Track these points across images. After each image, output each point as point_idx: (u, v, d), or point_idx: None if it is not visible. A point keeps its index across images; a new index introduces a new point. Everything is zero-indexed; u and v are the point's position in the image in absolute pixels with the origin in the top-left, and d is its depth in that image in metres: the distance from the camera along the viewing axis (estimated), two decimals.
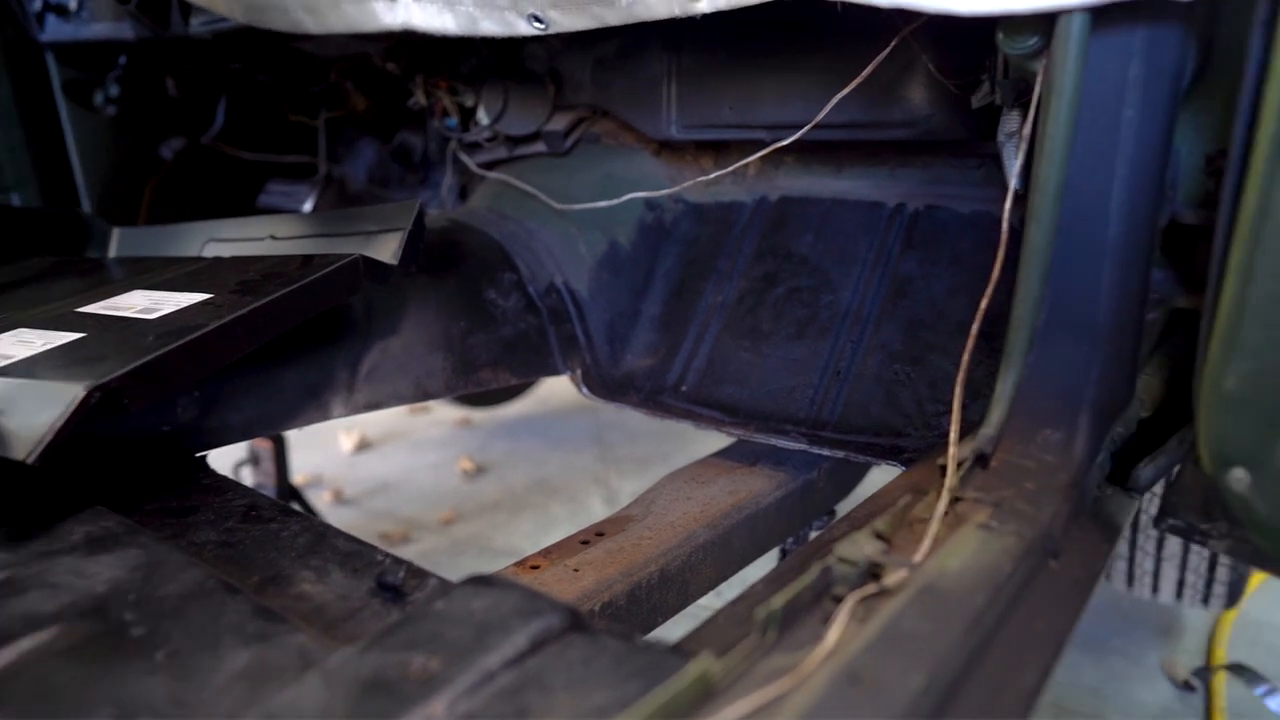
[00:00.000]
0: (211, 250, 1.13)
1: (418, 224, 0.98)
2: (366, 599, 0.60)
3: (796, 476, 1.07)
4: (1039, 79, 0.67)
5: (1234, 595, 1.41)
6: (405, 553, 2.01)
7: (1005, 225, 0.68)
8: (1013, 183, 1.00)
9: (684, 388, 1.19)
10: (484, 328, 1.17)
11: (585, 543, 0.89)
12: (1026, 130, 0.68)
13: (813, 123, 0.95)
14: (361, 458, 2.50)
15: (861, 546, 0.53)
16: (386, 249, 0.96)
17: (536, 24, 0.94)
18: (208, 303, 0.82)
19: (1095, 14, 0.59)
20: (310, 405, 1.00)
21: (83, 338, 0.76)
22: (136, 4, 1.33)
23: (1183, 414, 0.71)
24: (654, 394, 1.20)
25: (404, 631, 0.49)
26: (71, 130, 1.64)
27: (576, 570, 0.80)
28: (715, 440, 1.13)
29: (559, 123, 1.40)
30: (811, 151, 1.26)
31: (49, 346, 0.74)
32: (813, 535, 1.27)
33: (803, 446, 1.01)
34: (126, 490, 0.78)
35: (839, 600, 0.50)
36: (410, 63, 1.48)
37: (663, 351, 1.25)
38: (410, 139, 1.78)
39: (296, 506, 1.80)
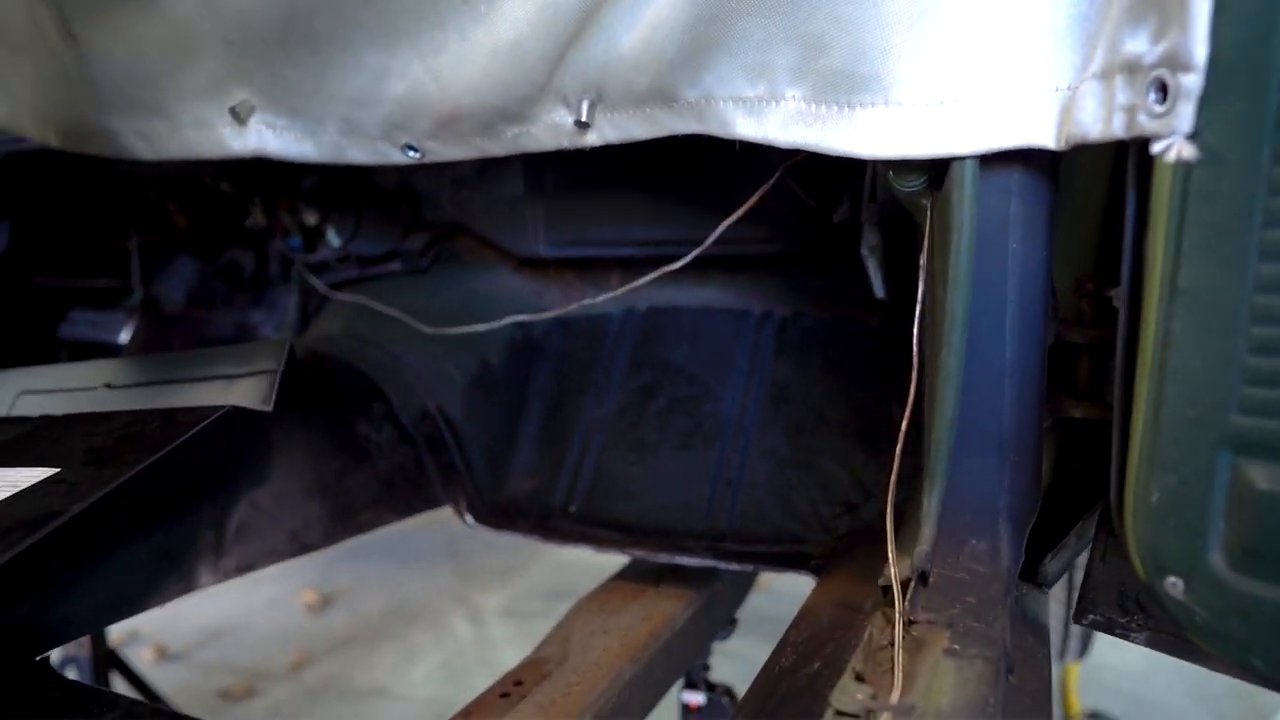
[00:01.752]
0: (27, 406, 0.99)
1: (290, 364, 0.91)
2: None
3: (701, 591, 1.07)
4: (927, 214, 0.73)
5: (1085, 645, 1.54)
6: (253, 708, 1.79)
7: (916, 334, 0.72)
8: (878, 291, 1.07)
9: (573, 508, 1.17)
10: (359, 466, 1.09)
11: (505, 695, 0.84)
12: (923, 260, 0.73)
13: (704, 245, 0.98)
14: (183, 603, 2.23)
15: (854, 695, 0.52)
16: (255, 394, 0.87)
17: (411, 153, 0.91)
18: (55, 480, 0.71)
19: (980, 159, 0.66)
20: (171, 578, 0.88)
21: None
22: None
23: (1075, 506, 0.77)
24: (543, 519, 1.16)
25: None
26: None
27: None
28: (583, 550, 1.10)
29: (415, 242, 1.36)
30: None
31: None
32: (715, 646, 1.27)
33: (711, 563, 1.01)
34: None
35: None
36: (246, 182, 1.39)
37: (546, 472, 1.22)
38: (239, 257, 1.67)
39: (117, 676, 1.58)
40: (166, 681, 1.82)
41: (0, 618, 0.73)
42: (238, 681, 1.87)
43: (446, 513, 1.16)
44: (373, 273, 1.38)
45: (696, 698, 1.19)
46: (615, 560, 1.14)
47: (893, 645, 0.62)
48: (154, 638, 2.09)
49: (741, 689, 1.29)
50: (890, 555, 0.70)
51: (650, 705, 0.92)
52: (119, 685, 1.56)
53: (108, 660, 1.57)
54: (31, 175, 1.48)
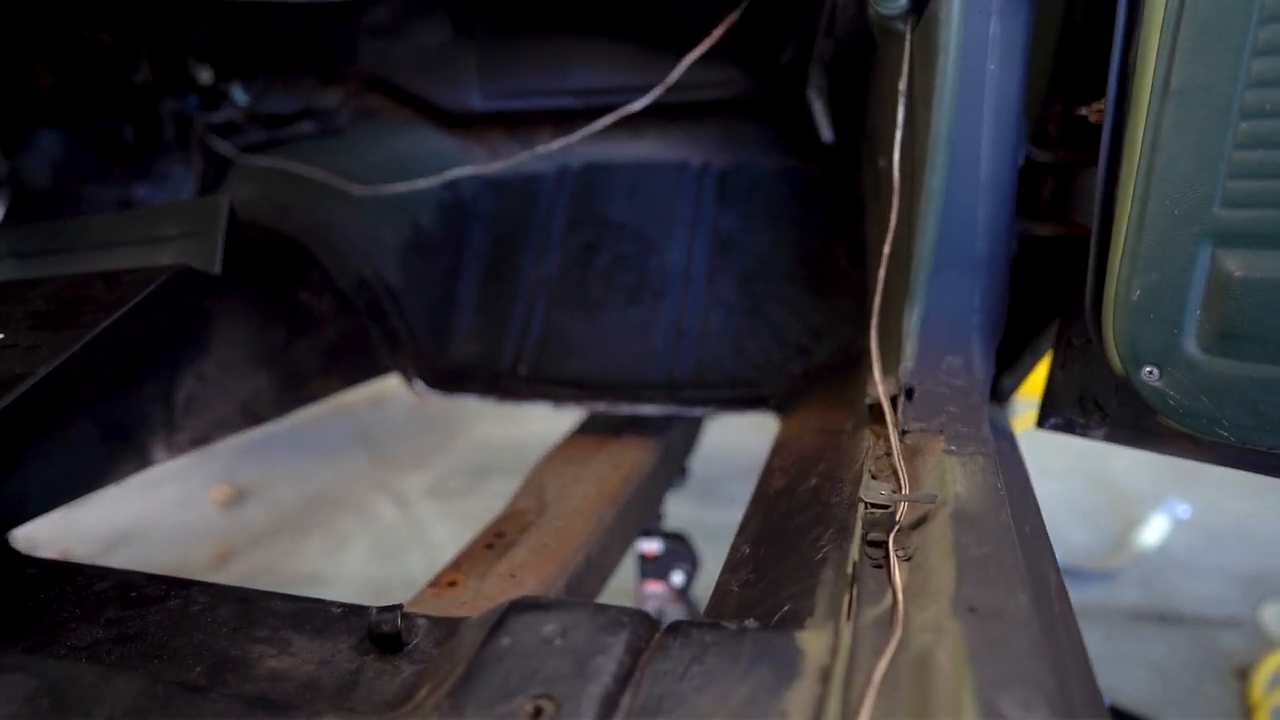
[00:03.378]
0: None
1: (231, 224, 0.84)
2: (357, 658, 0.52)
3: (661, 440, 1.09)
4: (905, 39, 0.73)
5: None
6: None
7: (896, 172, 0.73)
8: (825, 135, 1.08)
9: (522, 369, 1.16)
10: (304, 335, 1.04)
11: (490, 546, 0.84)
12: (902, 85, 0.73)
13: (662, 86, 0.95)
14: (81, 509, 2.11)
15: (878, 490, 0.55)
16: (200, 254, 0.81)
17: None
18: (6, 344, 0.64)
19: None
20: (124, 454, 0.83)
21: None
22: None
23: (1028, 329, 0.82)
24: (494, 380, 1.15)
25: (488, 677, 0.44)
26: None
27: (513, 575, 0.75)
28: (489, 423, 1.10)
29: (330, 98, 1.26)
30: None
31: None
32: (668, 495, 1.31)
33: (672, 410, 1.03)
34: None
35: (875, 544, 0.53)
36: (126, 32, 1.24)
37: (491, 335, 1.20)
38: (117, 125, 1.50)
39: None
40: None
41: None
42: None
43: (357, 398, 1.13)
44: (284, 134, 1.28)
45: (653, 545, 1.23)
46: (535, 434, 1.14)
47: (890, 454, 0.65)
48: (56, 544, 1.98)
49: (694, 539, 1.35)
50: (876, 373, 0.73)
51: (625, 549, 0.95)
52: None
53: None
54: None
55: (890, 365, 0.74)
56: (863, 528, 0.53)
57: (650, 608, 1.26)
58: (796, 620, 0.49)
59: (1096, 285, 0.64)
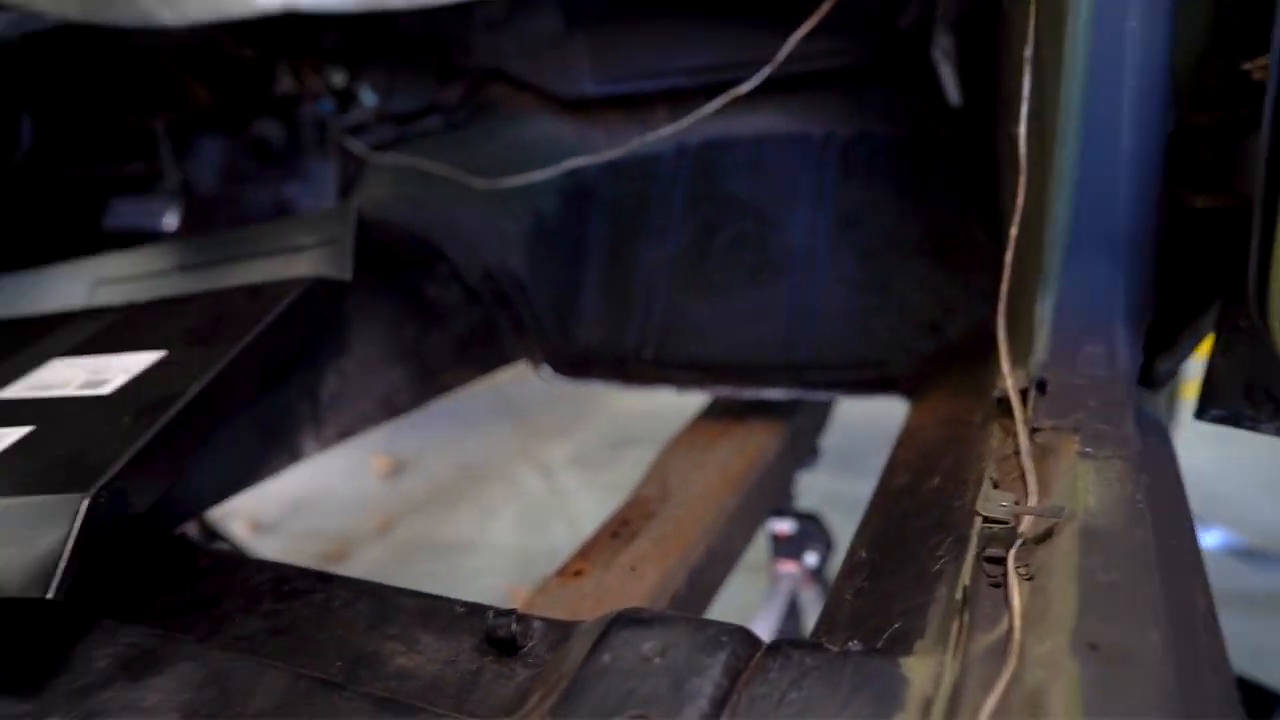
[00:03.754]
0: (106, 295, 0.98)
1: (360, 231, 0.89)
2: (476, 659, 0.55)
3: (787, 423, 1.08)
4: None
5: None
6: (349, 568, 1.89)
7: (1023, 148, 0.68)
8: (953, 98, 1.01)
9: (646, 353, 1.16)
10: (434, 328, 1.09)
11: (616, 534, 0.86)
12: (1028, 53, 0.67)
13: (774, 61, 0.92)
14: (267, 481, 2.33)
15: (998, 501, 0.52)
16: (331, 263, 0.86)
17: None
18: (166, 362, 0.71)
19: None
20: (279, 449, 0.90)
21: (33, 432, 0.64)
22: None
23: (1187, 310, 0.75)
24: (619, 365, 1.17)
25: (586, 694, 0.45)
26: None
27: (634, 568, 0.77)
28: (626, 395, 1.11)
29: (451, 93, 1.30)
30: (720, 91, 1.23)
31: None
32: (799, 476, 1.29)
33: (797, 394, 1.01)
34: (119, 593, 0.68)
35: (997, 561, 0.50)
36: (268, 46, 1.33)
37: (615, 319, 1.21)
38: (268, 130, 1.61)
39: (222, 545, 1.66)
40: (265, 550, 1.92)
41: (143, 496, 0.74)
42: (331, 546, 1.97)
43: (502, 374, 1.17)
44: (411, 130, 1.33)
45: (785, 526, 1.22)
46: (672, 405, 1.15)
47: (1018, 453, 0.62)
48: (246, 512, 2.19)
49: (827, 518, 1.33)
50: (1004, 365, 0.69)
51: (751, 535, 0.95)
52: None
53: (211, 535, 1.65)
54: (48, 60, 1.42)
55: (1021, 355, 0.70)
56: (979, 542, 0.50)
57: (784, 587, 1.26)
58: (905, 642, 0.47)
59: (1261, 261, 0.57)
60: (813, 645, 0.46)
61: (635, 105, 1.27)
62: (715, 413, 1.11)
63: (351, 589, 0.65)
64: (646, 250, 1.24)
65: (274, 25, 1.32)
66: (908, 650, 0.46)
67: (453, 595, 0.71)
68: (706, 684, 0.44)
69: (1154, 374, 0.75)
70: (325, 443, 0.94)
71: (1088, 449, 0.58)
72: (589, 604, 0.73)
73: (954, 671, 0.43)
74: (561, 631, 0.56)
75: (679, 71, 1.16)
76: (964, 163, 1.07)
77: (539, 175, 1.15)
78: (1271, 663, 1.51)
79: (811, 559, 1.21)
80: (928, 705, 0.40)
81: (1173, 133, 0.67)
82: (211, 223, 1.58)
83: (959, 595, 0.46)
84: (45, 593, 0.51)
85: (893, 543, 0.62)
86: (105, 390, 0.69)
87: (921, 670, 0.42)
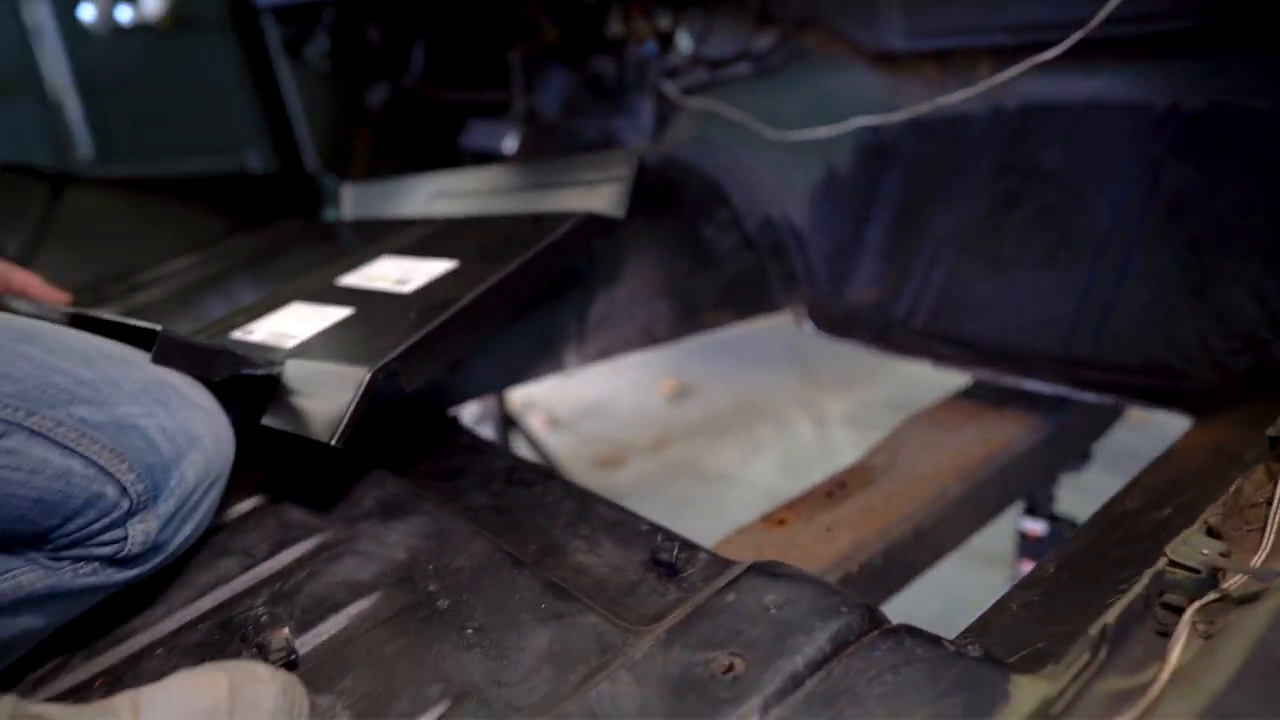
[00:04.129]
0: (438, 205, 1.17)
1: (639, 173, 0.96)
2: (641, 573, 0.61)
3: (1050, 420, 0.99)
4: None
5: None
6: (620, 477, 2.08)
7: None
8: None
9: (916, 322, 1.13)
10: (704, 268, 1.15)
11: (830, 494, 0.87)
12: None
13: (1092, 23, 0.83)
14: (567, 381, 2.60)
15: (1198, 549, 0.47)
16: (609, 200, 0.95)
17: None
18: (455, 272, 0.85)
19: None
20: (544, 358, 1.02)
21: (352, 315, 0.81)
22: None
23: None
24: (883, 329, 1.14)
25: (701, 625, 0.49)
26: (291, 87, 1.75)
27: (829, 530, 0.78)
28: (926, 367, 1.06)
29: (764, 40, 1.32)
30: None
31: (325, 325, 0.80)
32: (1064, 478, 1.19)
33: (1063, 390, 0.93)
34: (395, 451, 0.84)
35: (1175, 610, 0.45)
36: None
37: (890, 283, 1.18)
38: (603, 67, 1.75)
39: (521, 437, 1.91)
40: (554, 444, 2.17)
41: (413, 379, 0.90)
42: (609, 451, 2.17)
43: (821, 339, 1.19)
44: (722, 76, 1.38)
45: (1036, 526, 1.14)
46: (963, 380, 1.10)
47: (1270, 502, 0.54)
48: (545, 408, 2.48)
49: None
50: None
51: (976, 526, 0.91)
52: (518, 442, 1.89)
53: (509, 422, 1.90)
54: (434, 0, 1.66)
55: None
56: (1152, 584, 0.46)
57: None
58: (1038, 662, 0.45)
59: None
60: (931, 638, 0.46)
61: (953, 60, 1.20)
62: (974, 394, 1.06)
63: (564, 489, 0.74)
64: (939, 216, 1.19)
65: None
66: (1033, 670, 0.44)
67: (703, 522, 0.79)
68: (808, 644, 0.46)
69: None
70: (585, 359, 1.05)
71: None
72: (778, 554, 0.76)
73: (1063, 704, 0.40)
74: (719, 566, 0.60)
75: (1000, 29, 1.07)
76: None
77: (825, 131, 1.14)
78: None
79: None
80: None
81: None
82: (546, 148, 1.77)
83: (1097, 630, 0.43)
84: (330, 439, 0.64)
85: (1084, 565, 0.57)
86: (407, 289, 0.84)
87: (1028, 691, 0.41)
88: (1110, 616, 0.43)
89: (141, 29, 1.72)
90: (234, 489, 0.71)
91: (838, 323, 1.18)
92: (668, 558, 0.60)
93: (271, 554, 0.65)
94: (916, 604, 0.55)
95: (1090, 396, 0.92)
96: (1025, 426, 0.97)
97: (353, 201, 1.35)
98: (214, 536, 0.68)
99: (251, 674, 0.48)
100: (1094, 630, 0.42)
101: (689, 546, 0.62)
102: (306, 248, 1.14)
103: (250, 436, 0.71)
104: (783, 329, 2.68)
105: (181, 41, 1.76)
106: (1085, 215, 1.04)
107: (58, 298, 0.91)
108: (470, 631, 0.55)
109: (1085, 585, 0.53)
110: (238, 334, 0.84)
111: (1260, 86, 0.96)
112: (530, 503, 0.73)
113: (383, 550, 0.65)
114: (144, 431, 0.60)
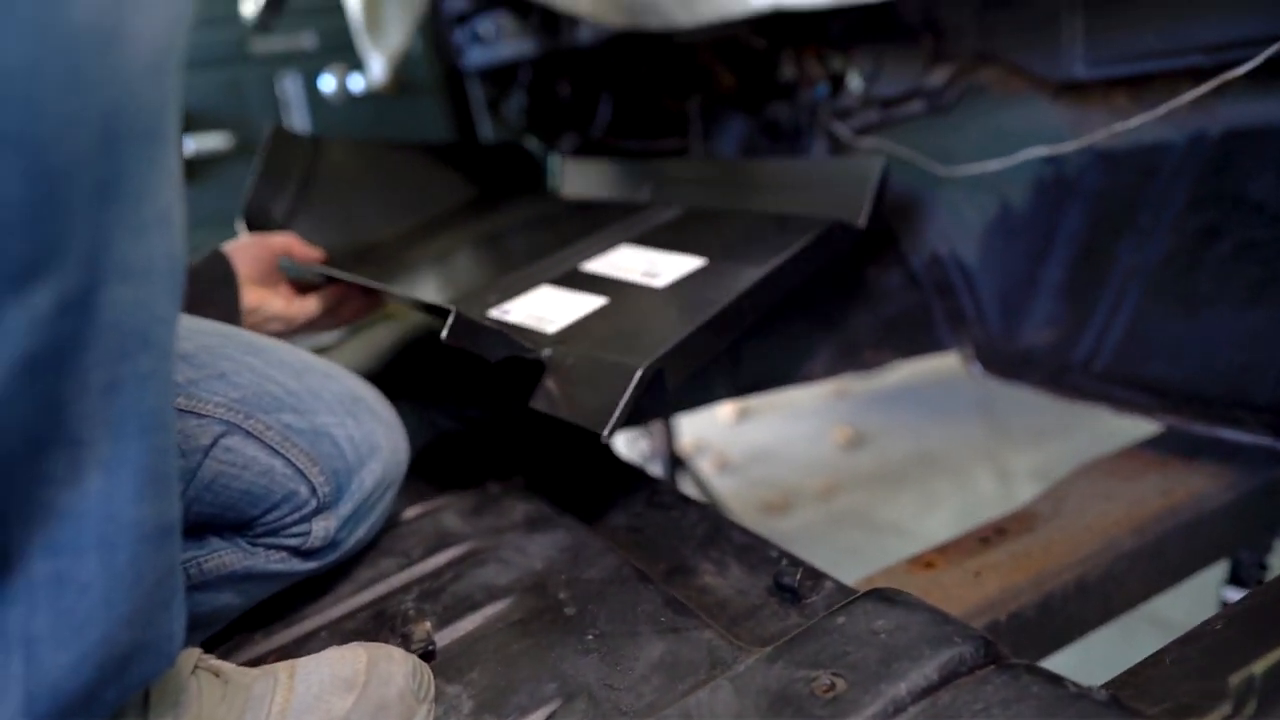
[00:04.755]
0: (665, 195, 1.21)
1: (883, 182, 0.95)
2: (764, 597, 0.61)
3: (1253, 475, 0.89)
4: None
5: None
6: (786, 522, 2.05)
7: None
8: None
9: (1097, 365, 1.05)
10: (864, 306, 1.14)
11: (985, 540, 0.83)
12: None
13: None
14: (741, 426, 2.61)
15: None
16: (850, 208, 0.93)
17: None
18: (706, 270, 0.86)
19: None
20: (695, 389, 1.05)
21: (607, 305, 0.82)
22: (539, 23, 1.49)
23: None
24: (1059, 372, 1.07)
25: (808, 644, 0.49)
26: (490, 138, 1.91)
27: (978, 574, 0.74)
28: (1130, 420, 0.98)
29: (938, 77, 1.30)
30: (1271, 68, 1.02)
31: (582, 313, 0.82)
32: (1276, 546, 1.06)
33: (1267, 441, 0.83)
34: (546, 468, 0.88)
35: None
36: (777, 36, 1.47)
37: (1068, 324, 1.11)
38: (778, 111, 1.78)
39: (688, 478, 1.93)
40: (722, 486, 2.17)
41: (674, 378, 0.74)
42: (777, 497, 2.14)
43: (989, 383, 1.14)
44: (894, 115, 1.36)
45: (1235, 595, 1.01)
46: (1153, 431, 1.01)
47: None
48: (717, 450, 2.49)
49: None
50: None
51: (1156, 587, 0.82)
52: (685, 482, 1.91)
53: (677, 462, 1.93)
54: (620, 55, 1.76)
55: None
56: None
57: None
58: (1177, 715, 0.42)
59: None
60: (1052, 677, 0.43)
61: (1145, 86, 1.13)
62: (1159, 445, 0.97)
63: (701, 514, 0.76)
64: (1125, 253, 1.11)
65: (781, 18, 1.47)
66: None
67: (866, 571, 0.77)
68: (914, 670, 0.44)
69: None
70: (736, 391, 1.06)
71: None
72: (922, 593, 0.73)
73: None
74: (845, 595, 0.59)
75: (1195, 49, 1.00)
76: None
77: (996, 165, 1.10)
78: None
79: None
80: None
81: None
82: None
83: (1241, 682, 0.39)
84: (603, 432, 0.63)
85: (1257, 622, 0.51)
86: (659, 284, 0.85)
87: None
88: (1259, 668, 0.39)
89: (371, 95, 1.96)
90: (404, 495, 0.78)
91: (1009, 364, 1.12)
92: (791, 582, 0.60)
93: (425, 556, 0.71)
94: (1085, 671, 0.51)
95: None
96: (1218, 480, 0.88)
97: (573, 178, 1.41)
98: (382, 538, 0.75)
99: (389, 655, 0.52)
100: (1237, 681, 0.38)
101: (815, 574, 0.62)
102: (539, 225, 1.20)
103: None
104: (971, 381, 2.55)
105: (402, 103, 1.98)
106: None
107: (314, 256, 0.99)
108: (591, 638, 0.57)
109: (1251, 643, 0.48)
110: (494, 312, 0.85)
111: None
112: (666, 525, 0.75)
113: (522, 559, 0.69)
114: (335, 439, 0.68)
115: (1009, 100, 1.26)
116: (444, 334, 0.68)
